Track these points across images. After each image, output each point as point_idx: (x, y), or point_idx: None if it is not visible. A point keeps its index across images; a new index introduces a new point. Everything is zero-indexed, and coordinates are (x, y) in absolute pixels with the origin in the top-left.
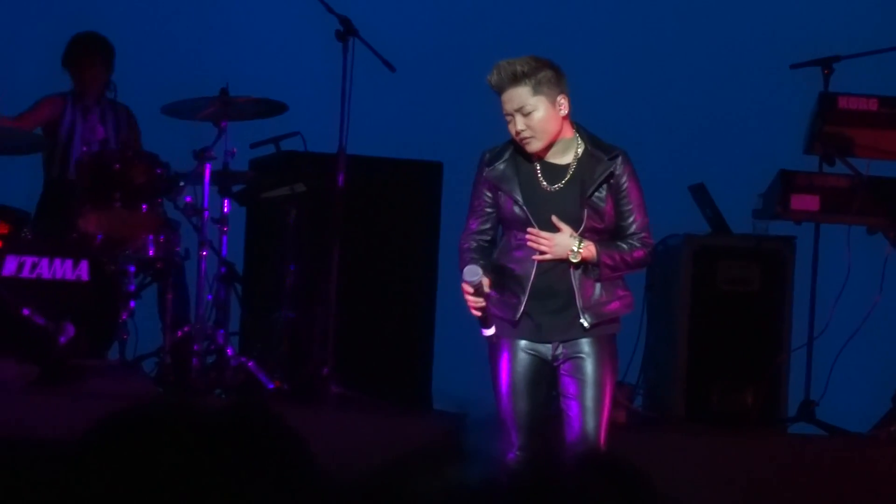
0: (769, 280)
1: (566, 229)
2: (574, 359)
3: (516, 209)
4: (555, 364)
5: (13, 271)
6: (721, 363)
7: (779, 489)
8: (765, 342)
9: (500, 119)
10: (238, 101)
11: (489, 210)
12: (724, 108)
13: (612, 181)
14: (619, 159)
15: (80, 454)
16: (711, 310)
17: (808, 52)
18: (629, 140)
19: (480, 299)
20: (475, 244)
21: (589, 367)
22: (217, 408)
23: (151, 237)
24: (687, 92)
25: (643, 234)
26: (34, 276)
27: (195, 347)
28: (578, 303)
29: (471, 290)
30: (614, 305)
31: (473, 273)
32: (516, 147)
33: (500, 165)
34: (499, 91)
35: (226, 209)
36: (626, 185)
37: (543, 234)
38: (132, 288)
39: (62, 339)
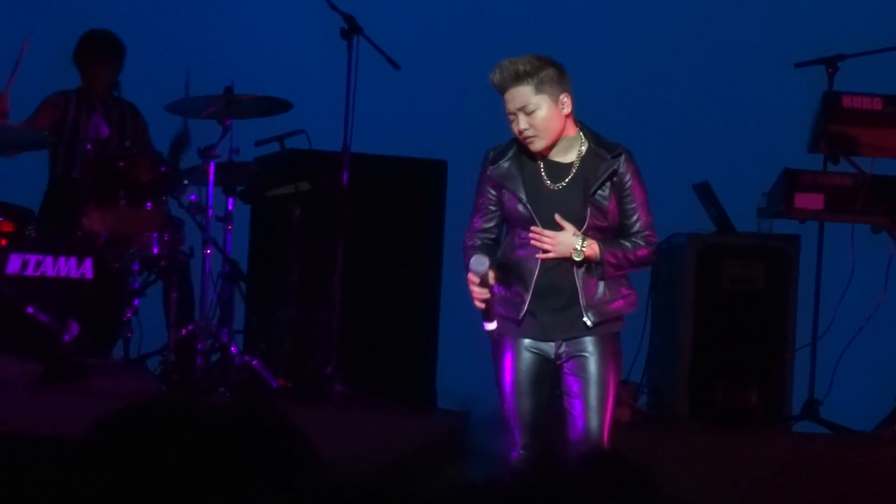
0: (773, 279)
1: (569, 228)
2: (577, 357)
3: (520, 207)
4: (558, 363)
5: (17, 269)
6: (725, 362)
7: (783, 488)
8: (769, 341)
9: (504, 117)
10: (243, 99)
11: (493, 208)
12: (728, 106)
13: (615, 179)
14: (623, 157)
15: (83, 452)
16: (716, 308)
17: (812, 50)
18: (634, 139)
19: (485, 291)
20: (479, 242)
21: (592, 365)
22: (221, 406)
23: (156, 235)
24: (691, 91)
25: (647, 233)
26: (38, 274)
27: (199, 346)
28: (581, 301)
29: (476, 279)
30: (618, 304)
31: (480, 263)
32: (520, 146)
33: (505, 164)
34: (501, 90)
35: (230, 207)
36: (629, 184)
37: (547, 232)
38: (136, 286)
39: (66, 337)
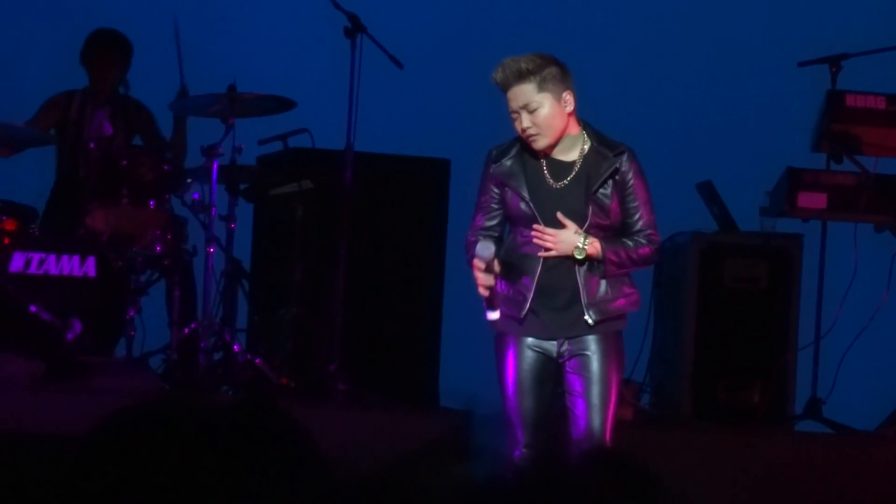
0: (776, 278)
1: (571, 226)
2: (580, 356)
3: (523, 206)
4: (560, 361)
5: (20, 267)
6: (728, 361)
7: (786, 487)
8: (772, 340)
9: (507, 116)
10: (246, 98)
11: (496, 206)
12: (731, 105)
13: (617, 178)
14: (625, 156)
15: (86, 451)
16: (719, 307)
17: (815, 49)
18: (637, 138)
19: (490, 277)
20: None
21: (594, 364)
22: (224, 405)
23: (159, 234)
24: (694, 89)
25: (649, 231)
26: (41, 272)
27: (202, 344)
28: (583, 299)
29: (482, 265)
30: (620, 302)
31: (486, 248)
32: (523, 144)
33: (507, 162)
34: (504, 88)
35: (233, 206)
36: (631, 182)
37: (549, 230)
38: (139, 284)
39: (69, 336)
